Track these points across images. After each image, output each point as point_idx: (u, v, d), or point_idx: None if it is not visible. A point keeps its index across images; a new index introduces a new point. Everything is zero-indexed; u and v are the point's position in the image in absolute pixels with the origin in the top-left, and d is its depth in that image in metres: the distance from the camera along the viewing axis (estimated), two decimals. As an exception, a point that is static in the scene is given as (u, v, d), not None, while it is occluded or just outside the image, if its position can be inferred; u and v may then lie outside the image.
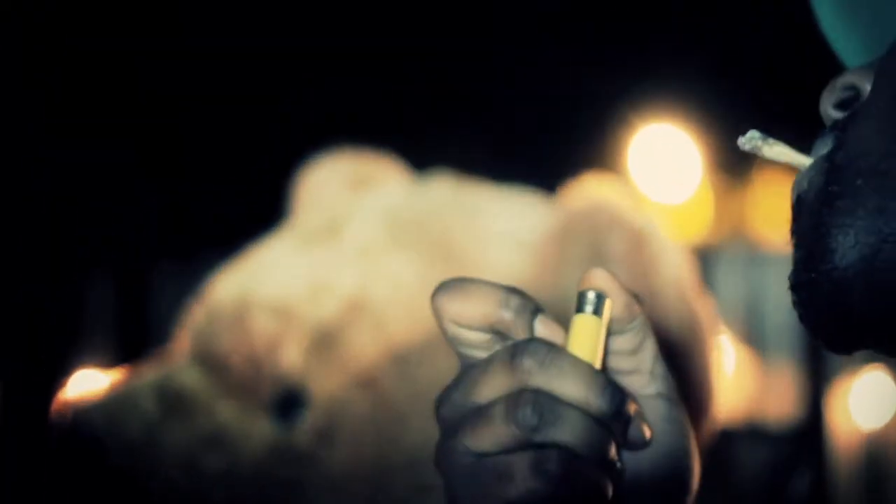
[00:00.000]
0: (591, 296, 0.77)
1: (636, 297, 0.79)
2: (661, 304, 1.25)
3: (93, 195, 2.93)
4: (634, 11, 3.05)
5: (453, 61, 2.97)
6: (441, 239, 1.30)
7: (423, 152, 1.52)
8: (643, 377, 0.80)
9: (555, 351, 0.76)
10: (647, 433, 0.78)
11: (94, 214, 2.95)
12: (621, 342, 0.79)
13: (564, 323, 0.78)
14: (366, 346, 1.25)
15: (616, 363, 0.80)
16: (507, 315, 0.77)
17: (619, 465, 0.77)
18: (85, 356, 2.74)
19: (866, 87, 0.77)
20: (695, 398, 1.26)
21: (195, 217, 3.06)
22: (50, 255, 2.90)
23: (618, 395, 0.76)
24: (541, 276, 1.27)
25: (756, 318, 3.46)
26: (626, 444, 0.78)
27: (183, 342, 1.32)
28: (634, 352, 0.79)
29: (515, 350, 0.76)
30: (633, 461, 0.79)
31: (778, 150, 0.80)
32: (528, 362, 0.75)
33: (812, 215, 0.76)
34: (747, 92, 2.87)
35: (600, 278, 0.78)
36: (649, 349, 0.80)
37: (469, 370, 0.78)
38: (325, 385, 1.25)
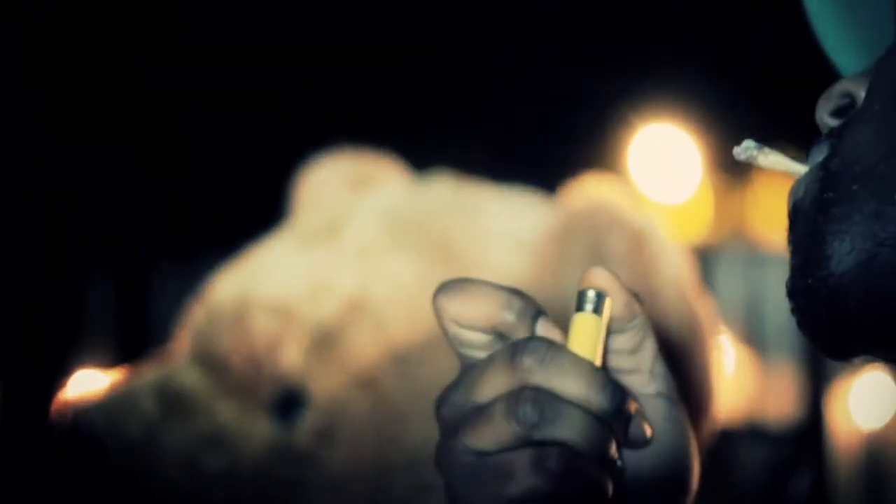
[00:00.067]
0: (591, 294, 0.77)
1: (636, 297, 0.79)
2: (661, 303, 1.25)
3: (93, 195, 2.93)
4: (634, 11, 3.05)
5: (453, 61, 2.97)
6: (441, 239, 1.30)
7: (423, 152, 1.52)
8: (643, 376, 0.80)
9: (555, 349, 0.76)
10: (648, 432, 0.78)
11: (94, 214, 2.95)
12: (621, 341, 0.79)
13: (565, 323, 0.78)
14: (366, 346, 1.25)
15: (616, 362, 0.80)
16: (509, 317, 0.77)
17: (619, 463, 0.77)
18: (85, 356, 2.74)
19: (861, 95, 0.77)
20: (695, 398, 1.26)
21: (195, 217, 3.06)
22: (50, 255, 2.90)
23: (618, 392, 0.76)
24: (541, 276, 1.27)
25: (756, 318, 3.46)
26: (626, 442, 0.78)
27: (183, 342, 1.32)
28: (634, 351, 0.80)
29: (515, 348, 0.76)
30: (634, 460, 0.79)
31: (773, 159, 0.80)
32: (528, 360, 0.76)
33: (808, 222, 0.76)
34: (747, 92, 2.87)
35: (600, 277, 0.78)
36: (649, 348, 0.80)
37: (469, 370, 0.78)
38: (325, 385, 1.25)
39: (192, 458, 1.24)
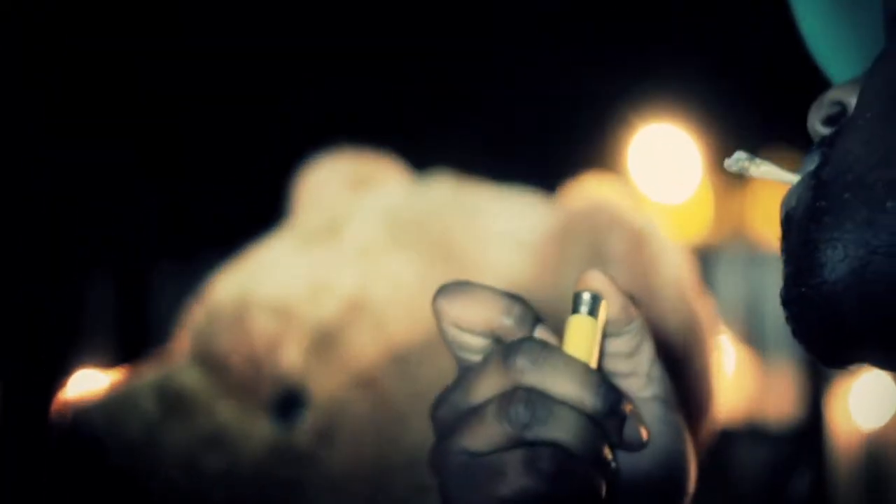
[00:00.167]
0: (586, 297, 0.77)
1: (633, 300, 0.79)
2: (660, 304, 1.25)
3: (93, 195, 2.93)
4: (634, 11, 3.05)
5: (453, 61, 2.97)
6: (441, 239, 1.30)
7: (423, 152, 1.52)
8: (640, 380, 0.80)
9: (548, 350, 0.76)
10: (644, 434, 0.78)
11: (94, 214, 2.95)
12: (618, 344, 0.79)
13: (564, 324, 0.78)
14: (366, 346, 1.25)
15: (613, 365, 0.80)
16: (507, 322, 0.78)
17: (613, 464, 0.77)
18: (85, 356, 2.74)
19: (852, 102, 0.77)
20: (695, 398, 1.26)
21: (195, 217, 3.05)
22: (50, 255, 2.90)
23: (612, 393, 0.76)
24: (541, 276, 1.27)
25: (756, 318, 3.45)
26: (622, 444, 0.78)
27: (183, 342, 1.32)
28: (631, 354, 0.80)
29: (509, 349, 0.76)
30: (630, 462, 0.79)
31: (765, 170, 0.80)
32: (521, 361, 0.76)
33: (800, 231, 0.76)
34: (747, 92, 2.87)
35: (596, 280, 0.78)
36: (646, 352, 0.80)
37: (465, 373, 0.78)
38: (325, 385, 1.25)
39: (192, 458, 1.24)
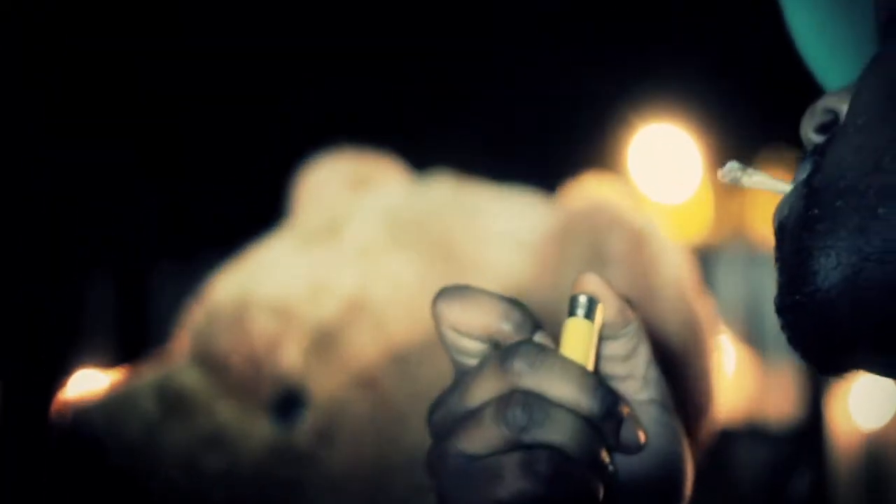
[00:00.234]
0: (582, 300, 0.78)
1: (629, 303, 0.79)
2: (660, 304, 1.25)
3: (93, 195, 2.93)
4: (634, 11, 3.05)
5: (453, 61, 2.97)
6: (441, 239, 1.30)
7: (423, 152, 1.52)
8: (636, 382, 0.80)
9: (545, 353, 0.76)
10: (642, 437, 0.78)
11: (94, 214, 2.95)
12: (614, 347, 0.79)
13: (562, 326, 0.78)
14: (366, 346, 1.25)
15: (609, 368, 0.80)
16: (506, 328, 0.78)
17: (610, 466, 0.77)
18: (85, 356, 2.74)
19: (844, 110, 0.77)
20: (694, 399, 1.26)
21: (195, 217, 3.05)
22: (50, 255, 2.90)
23: (609, 396, 0.76)
24: (541, 276, 1.27)
25: (756, 318, 3.45)
26: (619, 446, 0.78)
27: (183, 342, 1.32)
28: (628, 357, 0.80)
29: (506, 352, 0.77)
30: (626, 465, 0.79)
31: (757, 179, 0.80)
32: (518, 364, 0.76)
33: (793, 239, 0.76)
34: (747, 92, 2.87)
35: (592, 283, 0.78)
36: (643, 355, 0.80)
37: (462, 377, 0.78)
38: (325, 385, 1.25)
39: (192, 458, 1.24)
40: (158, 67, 2.89)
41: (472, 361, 0.79)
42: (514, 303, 0.78)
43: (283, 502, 1.24)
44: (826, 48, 0.87)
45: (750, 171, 0.80)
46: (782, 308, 0.76)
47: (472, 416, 0.76)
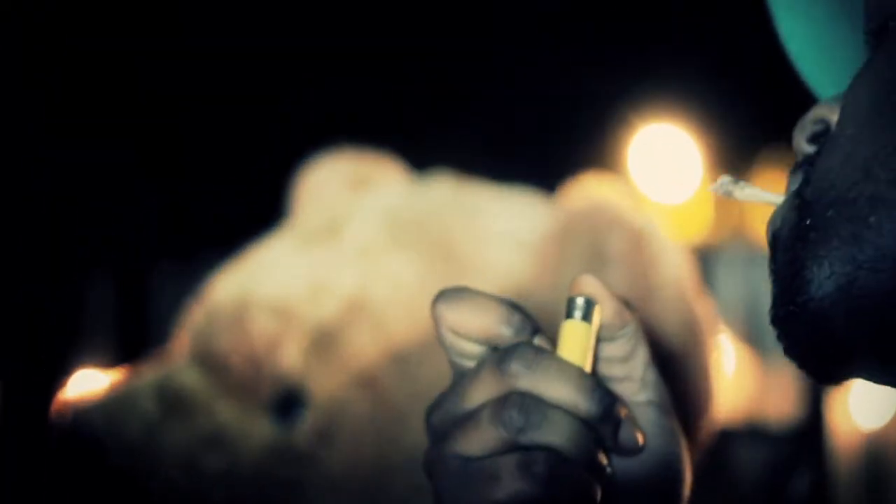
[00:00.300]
0: (579, 301, 0.78)
1: (627, 304, 0.80)
2: (660, 304, 1.25)
3: (93, 195, 2.93)
4: (634, 11, 3.05)
5: (453, 61, 2.97)
6: (441, 239, 1.30)
7: (423, 152, 1.52)
8: (634, 384, 0.80)
9: (542, 354, 0.76)
10: (640, 439, 0.78)
11: (94, 214, 2.95)
12: (612, 349, 0.79)
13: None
14: (366, 346, 1.25)
15: (607, 370, 0.80)
16: (505, 332, 0.78)
17: (608, 468, 0.77)
18: (85, 356, 2.74)
19: (835, 119, 0.77)
20: (694, 399, 1.26)
21: (195, 217, 3.05)
22: (50, 255, 2.89)
23: (606, 397, 0.76)
24: (541, 276, 1.27)
25: (756, 318, 3.45)
26: (617, 448, 0.78)
27: (183, 342, 1.32)
28: (626, 359, 0.80)
29: (503, 355, 0.77)
30: (625, 466, 0.79)
31: (749, 192, 0.81)
32: (515, 366, 0.76)
33: (787, 250, 0.76)
34: (747, 92, 2.87)
35: (590, 285, 0.78)
36: (641, 356, 0.80)
37: (461, 378, 0.78)
38: (325, 385, 1.25)
39: (192, 458, 1.24)
40: (158, 67, 2.89)
41: (472, 363, 0.79)
42: (514, 306, 0.78)
43: (283, 502, 1.24)
44: (817, 57, 0.87)
45: (742, 184, 0.81)
46: (777, 318, 0.77)
47: (470, 417, 0.76)
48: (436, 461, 0.77)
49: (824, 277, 0.74)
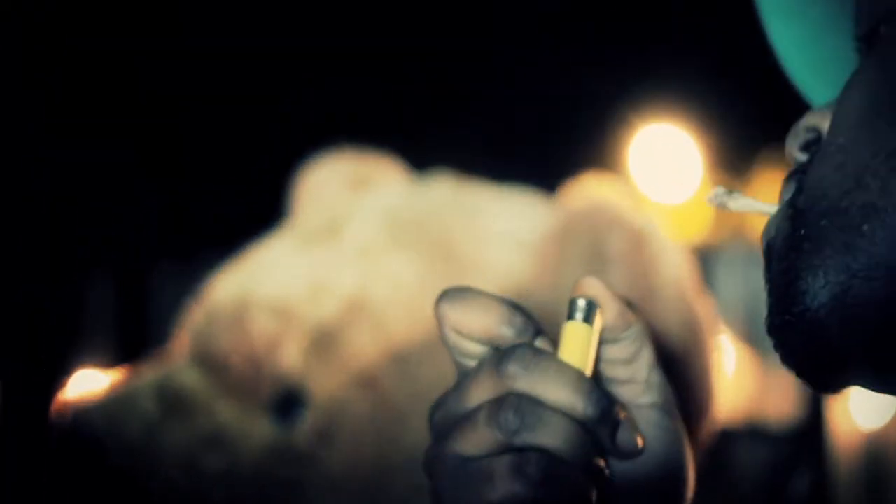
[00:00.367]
0: (581, 303, 0.78)
1: (631, 306, 0.79)
2: (660, 304, 1.25)
3: (93, 195, 2.93)
4: (634, 11, 3.05)
5: (453, 61, 2.97)
6: (441, 239, 1.30)
7: (423, 152, 1.52)
8: (638, 386, 0.80)
9: (540, 356, 0.76)
10: (640, 441, 0.78)
11: (94, 214, 2.95)
12: (616, 351, 0.79)
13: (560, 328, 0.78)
14: (366, 346, 1.25)
15: (611, 372, 0.80)
16: (507, 333, 0.78)
17: (605, 471, 0.77)
18: (85, 356, 2.74)
19: (826, 128, 0.77)
20: (695, 399, 1.26)
21: (195, 217, 3.05)
22: (50, 255, 2.89)
23: (604, 400, 0.76)
24: (541, 276, 1.27)
25: (756, 318, 3.45)
26: (615, 450, 0.78)
27: (183, 342, 1.32)
28: (630, 361, 0.80)
29: (502, 356, 0.77)
30: (627, 469, 0.79)
31: (743, 203, 0.81)
32: (512, 367, 0.76)
33: (781, 260, 0.76)
34: (747, 92, 2.87)
35: (592, 286, 0.78)
36: (645, 359, 0.80)
37: (462, 379, 0.79)
38: (325, 385, 1.25)
39: (192, 458, 1.24)
40: (158, 67, 2.89)
41: (474, 363, 0.79)
42: (517, 307, 0.78)
43: (283, 502, 1.24)
44: (808, 63, 0.87)
45: (735, 194, 0.81)
46: (773, 328, 0.77)
47: (468, 418, 0.76)
48: (435, 460, 0.77)
49: (819, 287, 0.74)
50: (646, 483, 0.79)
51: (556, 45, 2.99)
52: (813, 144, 0.78)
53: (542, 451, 0.75)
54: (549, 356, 0.76)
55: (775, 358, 0.79)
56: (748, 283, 3.53)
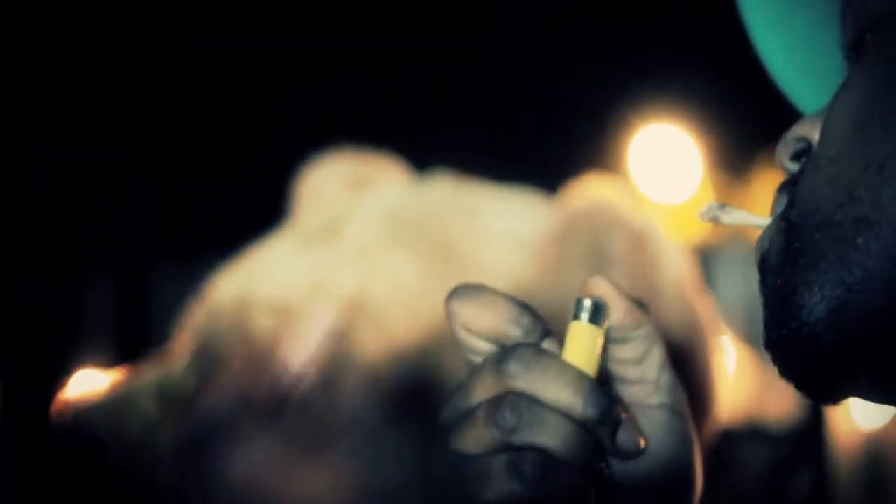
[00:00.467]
0: (587, 303, 0.77)
1: (642, 306, 0.79)
2: (661, 304, 1.25)
3: (93, 195, 2.93)
4: (634, 11, 3.05)
5: (453, 61, 2.97)
6: (441, 239, 1.30)
7: (423, 152, 1.52)
8: (648, 387, 0.79)
9: (541, 355, 0.76)
10: (642, 442, 0.78)
11: (94, 214, 2.95)
12: (626, 351, 0.79)
13: (564, 323, 0.78)
14: (366, 346, 1.25)
15: (620, 372, 0.79)
16: (516, 332, 0.77)
17: (605, 471, 0.77)
18: (85, 356, 2.74)
19: (816, 137, 0.77)
20: (696, 399, 1.26)
21: (195, 217, 3.06)
22: (50, 255, 2.90)
23: (604, 401, 0.76)
24: (541, 276, 1.27)
25: (756, 318, 3.45)
26: (615, 451, 0.77)
27: (183, 342, 1.32)
28: (639, 361, 0.79)
29: (503, 354, 0.76)
30: (632, 470, 0.79)
31: (736, 216, 0.81)
32: (513, 366, 0.76)
33: (776, 274, 0.76)
34: (747, 92, 2.87)
35: (600, 286, 0.78)
36: (655, 359, 0.79)
37: (469, 376, 0.79)
38: (326, 385, 1.25)
39: (192, 458, 1.24)
40: (158, 67, 2.89)
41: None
42: (527, 307, 0.78)
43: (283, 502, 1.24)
44: (796, 71, 0.87)
45: (728, 208, 0.81)
46: (770, 342, 0.77)
47: (469, 415, 0.76)
48: (438, 457, 0.77)
49: (815, 303, 0.74)
50: (650, 484, 0.79)
51: (556, 45, 2.99)
52: (803, 154, 0.78)
53: (539, 451, 0.74)
54: (551, 356, 0.76)
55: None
56: (748, 283, 3.52)
